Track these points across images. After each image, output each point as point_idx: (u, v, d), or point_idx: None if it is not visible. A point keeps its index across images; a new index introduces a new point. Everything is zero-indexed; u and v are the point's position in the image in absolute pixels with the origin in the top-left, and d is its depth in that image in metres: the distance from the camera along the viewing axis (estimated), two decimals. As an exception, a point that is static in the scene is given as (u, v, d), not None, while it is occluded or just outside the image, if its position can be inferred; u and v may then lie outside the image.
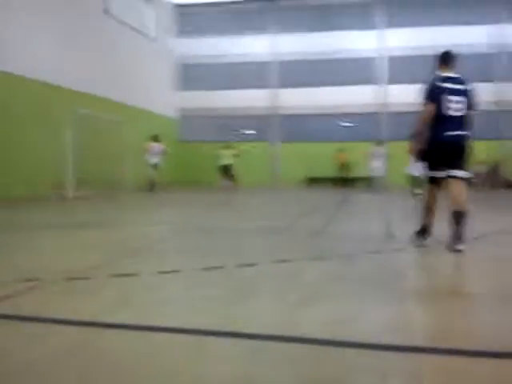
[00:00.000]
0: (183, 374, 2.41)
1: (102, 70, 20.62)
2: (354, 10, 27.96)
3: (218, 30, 29.33)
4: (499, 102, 26.38)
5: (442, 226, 6.53)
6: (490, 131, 26.04)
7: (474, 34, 26.28)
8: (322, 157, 27.44)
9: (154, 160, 19.81)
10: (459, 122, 5.99)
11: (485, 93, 25.35)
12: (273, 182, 28.38)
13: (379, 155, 20.94)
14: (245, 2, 29.07)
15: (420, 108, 6.16)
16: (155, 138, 20.07)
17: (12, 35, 15.50)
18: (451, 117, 5.95)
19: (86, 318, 3.25)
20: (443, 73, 6.14)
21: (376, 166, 20.85)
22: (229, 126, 29.31)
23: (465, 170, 6.03)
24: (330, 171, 26.81)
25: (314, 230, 7.88)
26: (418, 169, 16.56)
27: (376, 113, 27.79)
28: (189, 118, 29.77)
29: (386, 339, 2.89)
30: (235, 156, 22.73)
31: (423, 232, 6.43)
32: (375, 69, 27.82)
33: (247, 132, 29.02)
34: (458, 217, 5.76)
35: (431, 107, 5.97)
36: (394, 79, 27.22)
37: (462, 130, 6.00)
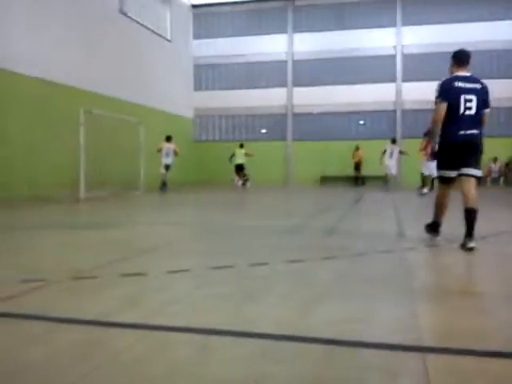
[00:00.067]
0: (191, 374, 2.38)
1: (116, 71, 20.77)
2: (370, 8, 27.88)
3: (234, 30, 29.42)
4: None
5: (452, 225, 6.52)
6: (508, 128, 25.85)
7: (493, 31, 26.03)
8: (336, 155, 27.41)
9: (167, 160, 19.85)
10: (472, 120, 5.97)
11: (505, 89, 25.33)
12: (287, 180, 28.37)
13: (393, 153, 20.83)
14: (261, 1, 29.07)
15: (434, 107, 6.17)
16: (168, 139, 20.11)
17: (14, 33, 15.56)
18: (464, 116, 5.95)
19: (93, 317, 3.23)
20: (456, 72, 6.16)
21: (390, 164, 20.74)
22: (244, 125, 29.37)
23: (477, 169, 6.03)
24: (344, 170, 26.76)
25: (327, 229, 7.83)
26: (429, 168, 16.69)
27: (391, 110, 27.66)
28: (204, 117, 29.86)
29: (396, 339, 2.85)
30: (247, 155, 22.83)
31: (434, 228, 6.50)
32: (391, 67, 27.70)
33: (262, 131, 29.06)
34: (470, 214, 5.77)
35: (444, 106, 5.98)
36: (409, 77, 27.09)
37: (474, 129, 5.99)
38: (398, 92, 27.49)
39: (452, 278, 4.75)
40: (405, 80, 27.35)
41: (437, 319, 3.35)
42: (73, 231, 7.82)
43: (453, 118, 5.96)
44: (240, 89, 29.14)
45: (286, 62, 28.89)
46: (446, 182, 6.32)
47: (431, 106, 6.47)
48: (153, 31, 24.66)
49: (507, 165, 25.91)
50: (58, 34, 17.30)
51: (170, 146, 20.02)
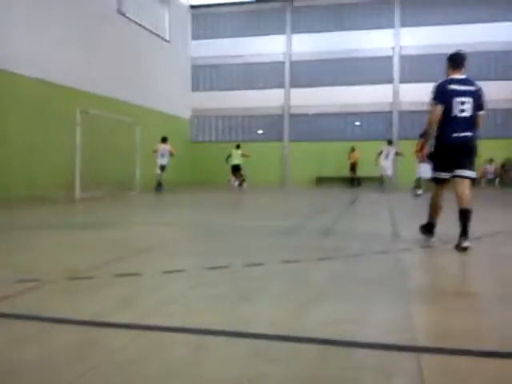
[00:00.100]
0: (186, 374, 2.38)
1: (114, 71, 20.76)
2: (368, 9, 27.91)
3: (232, 30, 29.42)
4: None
5: (447, 226, 6.54)
6: (504, 130, 25.92)
7: (491, 32, 26.07)
8: (332, 156, 27.44)
9: (162, 161, 19.85)
10: (466, 123, 6.02)
11: (502, 91, 25.41)
12: (283, 181, 28.38)
13: (389, 155, 20.85)
14: (259, 2, 29.07)
15: (429, 109, 6.24)
16: (163, 140, 20.10)
17: (14, 34, 15.55)
18: (458, 118, 6.01)
19: (88, 317, 3.23)
20: (452, 74, 6.22)
21: (386, 166, 20.77)
22: (240, 126, 29.38)
23: (471, 170, 6.09)
24: (340, 171, 26.79)
25: (322, 230, 7.84)
26: (423, 170, 16.82)
27: (388, 112, 27.69)
28: (201, 118, 29.86)
29: (391, 339, 2.87)
30: (244, 156, 22.85)
31: (428, 229, 6.56)
32: (388, 68, 27.73)
33: (258, 132, 29.08)
34: (464, 215, 5.83)
35: (439, 108, 6.03)
36: (407, 78, 27.13)
37: (469, 132, 6.04)
38: (395, 93, 27.52)
39: (447, 278, 4.77)
40: (402, 81, 27.38)
41: (431, 319, 3.36)
42: (68, 231, 7.81)
43: (447, 120, 6.01)
44: (238, 89, 29.14)
45: (283, 62, 28.90)
46: (439, 183, 6.38)
47: (427, 107, 6.50)
48: (151, 31, 24.64)
49: (503, 166, 25.98)
50: (57, 35, 17.28)
51: (166, 147, 20.00)
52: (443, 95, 6.03)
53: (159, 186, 19.70)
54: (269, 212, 12.24)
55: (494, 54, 26.41)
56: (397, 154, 21.23)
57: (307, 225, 8.94)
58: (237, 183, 22.96)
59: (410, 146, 19.08)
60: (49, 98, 16.61)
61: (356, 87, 27.62)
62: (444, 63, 6.46)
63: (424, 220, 6.71)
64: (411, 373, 2.39)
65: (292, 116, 28.76)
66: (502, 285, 4.41)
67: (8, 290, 3.89)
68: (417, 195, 16.66)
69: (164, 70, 25.89)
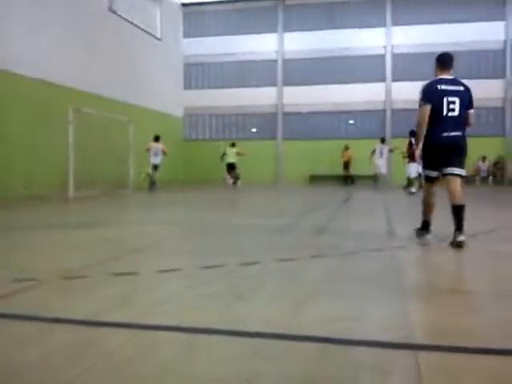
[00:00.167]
0: (182, 373, 2.38)
1: (109, 70, 20.71)
2: (360, 7, 27.91)
3: (224, 28, 29.36)
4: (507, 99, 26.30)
5: (442, 224, 6.57)
6: (497, 128, 26.04)
7: (482, 31, 26.15)
8: (326, 155, 27.45)
9: (155, 160, 19.82)
10: (455, 122, 6.12)
11: (494, 89, 25.53)
12: (277, 179, 28.39)
13: (383, 153, 20.91)
14: (251, 0, 29.03)
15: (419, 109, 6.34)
16: (156, 139, 20.07)
17: (14, 34, 15.55)
18: (447, 117, 6.11)
19: (85, 317, 3.22)
20: (440, 75, 6.34)
21: (380, 164, 20.82)
22: (234, 124, 29.36)
23: (461, 168, 6.19)
24: (334, 169, 26.82)
25: (317, 228, 7.85)
26: (412, 170, 17.03)
27: (381, 110, 27.73)
28: (194, 116, 29.81)
29: (387, 337, 2.87)
30: (239, 154, 22.84)
31: (424, 227, 6.62)
32: (381, 66, 27.76)
33: (252, 130, 29.06)
34: (457, 210, 5.94)
35: (427, 108, 6.13)
36: (399, 76, 27.18)
37: (457, 131, 6.14)
38: (388, 92, 27.56)
39: (442, 276, 4.78)
40: (395, 80, 27.42)
41: (428, 317, 3.37)
42: (63, 231, 7.78)
43: (436, 119, 6.10)
44: (230, 88, 29.10)
45: (276, 61, 28.88)
46: (430, 181, 6.49)
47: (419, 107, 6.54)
48: (142, 29, 24.56)
49: (496, 164, 26.08)
50: (55, 35, 17.27)
51: (159, 146, 19.97)
52: (432, 95, 6.13)
53: (152, 185, 19.68)
54: (263, 210, 12.25)
55: (485, 52, 26.51)
56: (390, 151, 21.30)
57: (301, 223, 8.95)
58: (231, 181, 22.95)
59: (403, 144, 19.13)
60: (48, 98, 16.60)
61: (349, 85, 27.65)
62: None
63: (419, 218, 6.73)
64: (408, 370, 2.40)
65: (285, 114, 28.76)
66: (497, 282, 4.43)
67: (5, 289, 3.88)
68: (411, 193, 16.73)
69: (156, 68, 25.83)
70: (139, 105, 23.29)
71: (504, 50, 26.41)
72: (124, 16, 22.75)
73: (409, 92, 24.91)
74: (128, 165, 18.64)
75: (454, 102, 6.08)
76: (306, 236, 7.15)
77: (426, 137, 6.25)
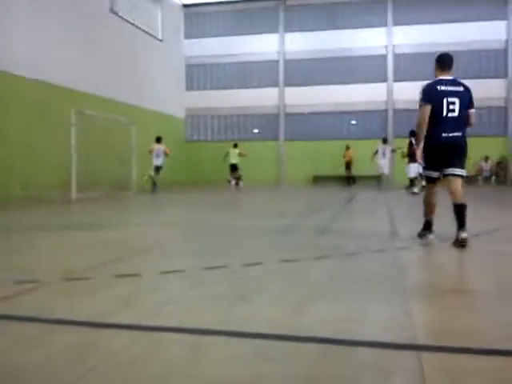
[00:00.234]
0: (186, 374, 2.38)
1: (110, 71, 20.73)
2: (361, 8, 27.91)
3: (226, 29, 29.37)
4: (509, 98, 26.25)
5: (444, 225, 6.57)
6: (499, 127, 26.00)
7: (484, 31, 26.12)
8: (329, 155, 27.44)
9: (157, 162, 19.82)
10: (455, 123, 6.14)
11: (496, 89, 25.50)
12: (279, 180, 28.38)
13: (385, 153, 20.89)
14: (252, 1, 29.03)
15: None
16: (158, 140, 20.08)
17: (15, 35, 15.58)
18: (447, 118, 6.13)
19: (86, 318, 3.22)
20: (440, 75, 6.35)
21: (383, 164, 20.81)
22: (236, 125, 29.35)
23: (462, 169, 6.22)
24: (336, 169, 26.79)
25: (319, 229, 7.85)
26: (411, 170, 17.05)
27: (383, 110, 27.71)
28: (196, 117, 29.82)
29: (389, 337, 2.86)
30: (241, 155, 22.87)
31: (426, 228, 6.62)
32: (382, 66, 27.75)
33: (254, 131, 29.06)
34: (459, 209, 5.98)
35: (427, 109, 6.16)
36: (401, 77, 27.16)
37: (457, 132, 6.16)
38: (390, 92, 27.55)
39: (445, 276, 4.78)
40: (396, 80, 27.42)
41: (430, 318, 3.36)
42: (65, 232, 7.79)
43: (436, 120, 6.12)
44: (232, 88, 29.12)
45: (277, 61, 28.89)
46: (432, 181, 6.50)
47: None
48: (144, 31, 24.59)
49: (498, 164, 26.04)
50: (55, 35, 17.30)
51: (160, 147, 19.99)
52: (432, 96, 6.15)
53: (154, 186, 19.69)
54: (265, 211, 12.24)
55: (486, 52, 26.49)
56: (393, 151, 21.28)
57: (304, 224, 8.94)
58: (234, 182, 22.97)
59: (405, 145, 19.10)
60: (48, 99, 16.61)
61: (350, 86, 27.64)
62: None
63: (421, 219, 6.72)
64: (411, 371, 2.39)
65: (287, 115, 28.76)
66: (500, 282, 4.43)
67: (7, 291, 3.88)
68: (414, 193, 16.70)
69: (158, 69, 25.85)
70: (140, 106, 23.31)
71: (506, 50, 26.39)
72: (125, 17, 22.78)
73: (410, 92, 24.88)
74: (130, 166, 18.65)
75: (453, 103, 6.10)
76: (308, 237, 7.14)
77: (426, 137, 6.26)
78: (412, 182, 17.78)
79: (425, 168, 6.55)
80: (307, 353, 2.65)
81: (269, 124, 29.00)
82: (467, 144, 6.25)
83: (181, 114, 29.21)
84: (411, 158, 16.37)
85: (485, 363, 2.52)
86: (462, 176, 6.19)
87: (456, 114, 6.11)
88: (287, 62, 28.75)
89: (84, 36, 19.18)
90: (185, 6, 29.58)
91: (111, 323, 3.13)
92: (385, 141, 21.82)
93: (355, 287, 4.07)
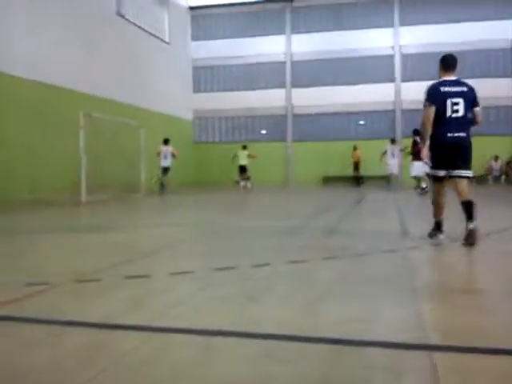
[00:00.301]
0: (196, 376, 2.38)
1: (115, 73, 20.76)
2: (367, 8, 27.85)
3: (232, 31, 29.39)
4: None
5: (454, 225, 6.54)
6: (508, 126, 25.86)
7: (491, 30, 25.98)
8: (337, 156, 27.39)
9: (165, 163, 19.88)
10: (459, 123, 6.17)
11: (504, 88, 25.37)
12: (287, 181, 28.36)
13: (394, 153, 20.83)
14: (259, 3, 29.04)
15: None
16: (165, 142, 20.13)
17: (19, 36, 15.62)
18: (451, 118, 6.16)
19: (98, 319, 3.23)
20: (444, 76, 6.39)
21: (393, 164, 20.76)
22: (243, 126, 29.37)
23: (467, 170, 6.25)
24: (345, 170, 26.74)
25: (328, 229, 7.83)
26: (415, 169, 16.94)
27: (390, 110, 27.64)
28: (203, 119, 29.87)
29: (401, 338, 2.85)
30: (250, 157, 22.90)
31: (437, 228, 6.62)
32: (389, 67, 27.68)
33: (262, 132, 29.07)
34: (467, 205, 6.04)
35: (432, 110, 6.20)
36: (408, 77, 27.07)
37: (462, 132, 6.18)
38: (397, 92, 27.47)
39: (455, 275, 4.76)
40: (403, 80, 27.33)
41: (441, 317, 3.34)
42: (75, 234, 7.82)
43: (441, 120, 6.15)
44: (239, 90, 29.13)
45: (284, 62, 28.88)
46: (438, 180, 6.49)
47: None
48: (151, 33, 24.64)
49: (508, 163, 25.89)
50: (56, 36, 17.28)
51: (168, 149, 20.05)
52: (436, 97, 6.18)
53: (162, 188, 19.75)
54: (273, 212, 12.24)
55: (493, 51, 26.36)
56: (401, 150, 21.20)
57: (312, 224, 8.93)
58: (243, 184, 23.00)
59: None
60: (48, 101, 16.60)
61: (357, 86, 27.58)
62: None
63: (431, 219, 6.69)
64: (424, 371, 2.38)
65: (295, 116, 28.74)
66: (510, 281, 4.40)
67: (17, 293, 3.89)
68: (423, 189, 16.52)
69: (164, 71, 25.89)
70: (148, 108, 23.36)
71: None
72: (132, 20, 22.83)
73: (418, 92, 24.52)
74: (139, 169, 18.69)
75: (457, 103, 6.13)
76: (316, 237, 7.13)
77: (432, 137, 6.29)
78: (418, 180, 17.65)
79: (431, 167, 6.54)
80: (318, 353, 2.64)
81: (276, 125, 29.00)
82: (471, 144, 6.26)
83: (188, 115, 29.25)
84: (415, 156, 16.28)
85: (495, 363, 2.50)
86: (468, 177, 6.22)
87: (460, 114, 6.13)
88: (294, 64, 28.74)
89: (91, 38, 19.20)
90: (191, 8, 29.63)
91: (121, 324, 3.14)
92: (393, 141, 21.77)
93: (365, 287, 4.06)
